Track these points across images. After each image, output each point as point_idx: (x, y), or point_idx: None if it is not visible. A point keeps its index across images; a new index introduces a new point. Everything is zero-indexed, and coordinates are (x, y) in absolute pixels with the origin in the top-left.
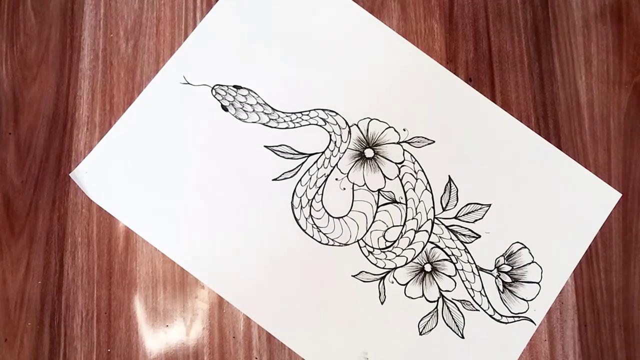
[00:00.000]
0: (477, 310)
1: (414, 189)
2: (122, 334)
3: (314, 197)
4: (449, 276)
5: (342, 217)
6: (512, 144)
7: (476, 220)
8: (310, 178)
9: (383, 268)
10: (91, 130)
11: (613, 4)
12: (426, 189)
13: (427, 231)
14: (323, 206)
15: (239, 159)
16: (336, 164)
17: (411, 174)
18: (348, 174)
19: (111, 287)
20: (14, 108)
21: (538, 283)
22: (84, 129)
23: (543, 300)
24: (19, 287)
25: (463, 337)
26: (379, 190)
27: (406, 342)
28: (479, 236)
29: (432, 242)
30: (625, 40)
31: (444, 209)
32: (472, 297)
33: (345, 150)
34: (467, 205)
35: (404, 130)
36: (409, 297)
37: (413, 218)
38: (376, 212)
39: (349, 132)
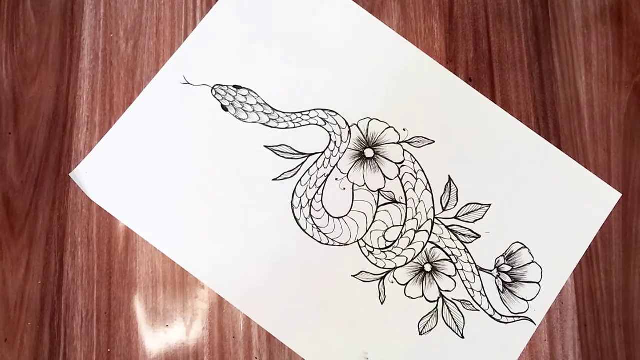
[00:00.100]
0: (477, 310)
1: (414, 189)
2: (122, 334)
3: (314, 197)
4: (449, 276)
5: (342, 217)
6: (512, 144)
7: (476, 220)
8: (310, 178)
9: (383, 268)
10: (91, 130)
11: (613, 4)
12: (426, 189)
13: (427, 231)
14: (323, 206)
15: (239, 159)
16: (336, 164)
17: (411, 174)
18: (348, 174)
19: (111, 287)
20: (14, 108)
21: (538, 283)
22: (84, 129)
23: (543, 300)
24: (19, 287)
25: (463, 337)
26: (379, 190)
27: (406, 342)
28: (479, 236)
29: (432, 242)
30: (625, 40)
31: (444, 209)
32: (472, 297)
33: (345, 150)
34: (467, 205)
35: (404, 130)
36: (409, 297)
37: (413, 218)
38: (376, 212)
39: (349, 132)
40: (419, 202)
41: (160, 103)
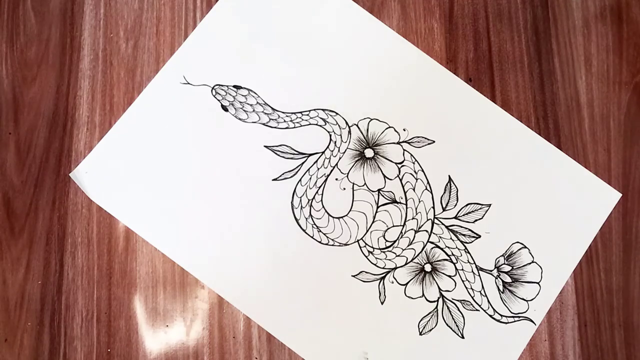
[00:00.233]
0: (477, 310)
1: (414, 189)
2: (122, 334)
3: (314, 197)
4: (449, 276)
5: (342, 217)
6: (512, 144)
7: (476, 220)
8: (310, 178)
9: (383, 268)
10: (91, 130)
11: (613, 4)
12: (426, 189)
13: (427, 231)
14: (323, 206)
15: (239, 159)
16: (336, 164)
17: (411, 174)
18: (348, 174)
19: (111, 287)
20: (14, 108)
21: (538, 283)
22: (84, 129)
23: (543, 300)
24: (19, 287)
25: (463, 337)
26: (379, 190)
27: (406, 342)
28: (479, 236)
29: (432, 242)
30: (625, 40)
31: (444, 209)
32: (472, 297)
33: (345, 150)
34: (467, 205)
35: (404, 130)
36: (409, 297)
37: (413, 218)
38: (376, 212)
39: (349, 132)
40: (419, 202)
41: (160, 103)
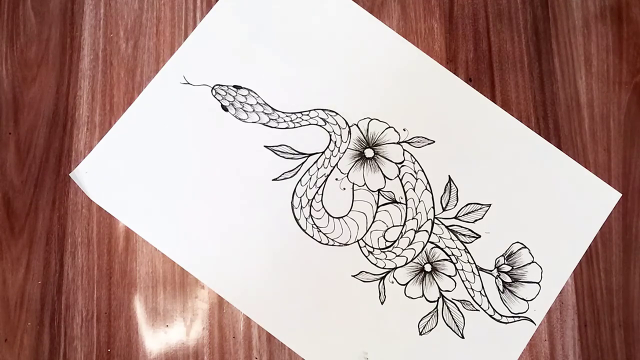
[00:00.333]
0: (477, 310)
1: (414, 189)
2: (122, 334)
3: (314, 197)
4: (449, 276)
5: (342, 217)
6: (512, 144)
7: (476, 220)
8: (310, 178)
9: (383, 268)
10: (91, 130)
11: (613, 4)
12: (426, 189)
13: (427, 231)
14: (323, 206)
15: (239, 159)
16: (336, 164)
17: (411, 174)
18: (348, 174)
19: (111, 287)
20: (14, 108)
21: (538, 283)
22: (84, 129)
23: (543, 300)
24: (19, 287)
25: (463, 337)
26: (379, 190)
27: (406, 342)
28: (479, 236)
29: (432, 242)
30: (625, 40)
31: (444, 209)
32: (472, 297)
33: (345, 150)
34: (467, 205)
35: (404, 130)
36: (409, 297)
37: (413, 218)
38: (376, 212)
39: (349, 132)
40: (419, 202)
41: (160, 103)
